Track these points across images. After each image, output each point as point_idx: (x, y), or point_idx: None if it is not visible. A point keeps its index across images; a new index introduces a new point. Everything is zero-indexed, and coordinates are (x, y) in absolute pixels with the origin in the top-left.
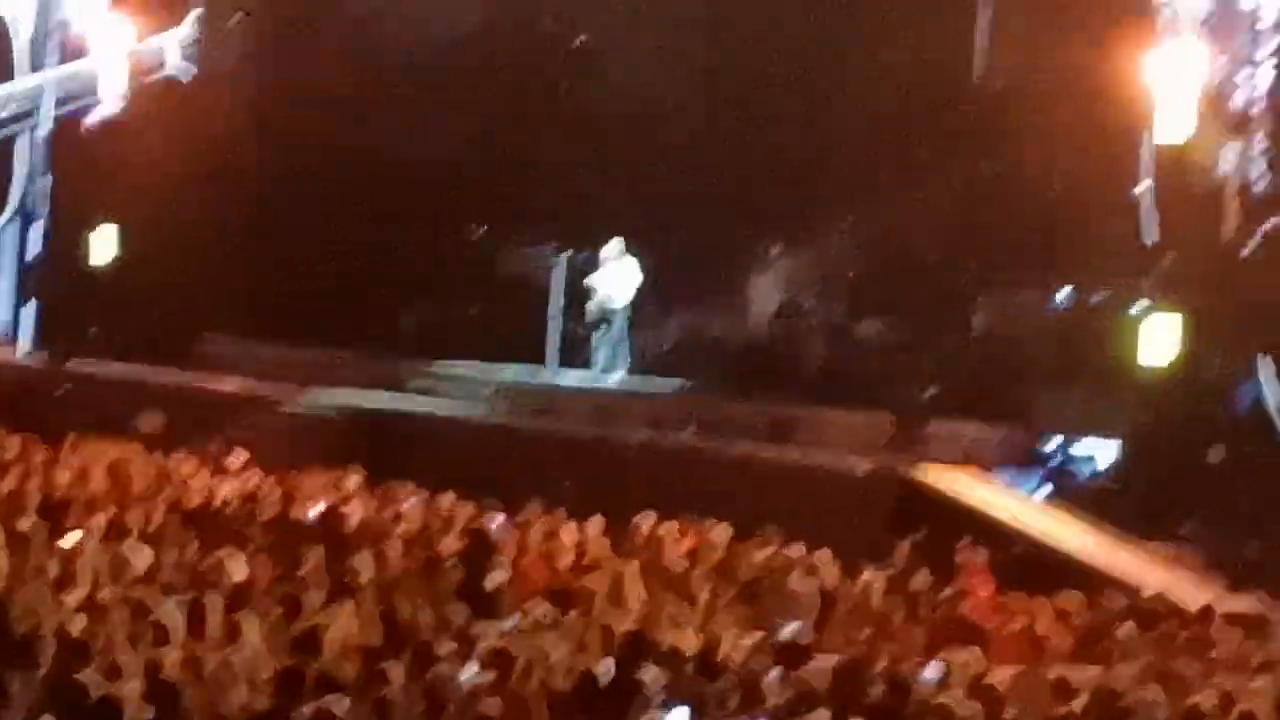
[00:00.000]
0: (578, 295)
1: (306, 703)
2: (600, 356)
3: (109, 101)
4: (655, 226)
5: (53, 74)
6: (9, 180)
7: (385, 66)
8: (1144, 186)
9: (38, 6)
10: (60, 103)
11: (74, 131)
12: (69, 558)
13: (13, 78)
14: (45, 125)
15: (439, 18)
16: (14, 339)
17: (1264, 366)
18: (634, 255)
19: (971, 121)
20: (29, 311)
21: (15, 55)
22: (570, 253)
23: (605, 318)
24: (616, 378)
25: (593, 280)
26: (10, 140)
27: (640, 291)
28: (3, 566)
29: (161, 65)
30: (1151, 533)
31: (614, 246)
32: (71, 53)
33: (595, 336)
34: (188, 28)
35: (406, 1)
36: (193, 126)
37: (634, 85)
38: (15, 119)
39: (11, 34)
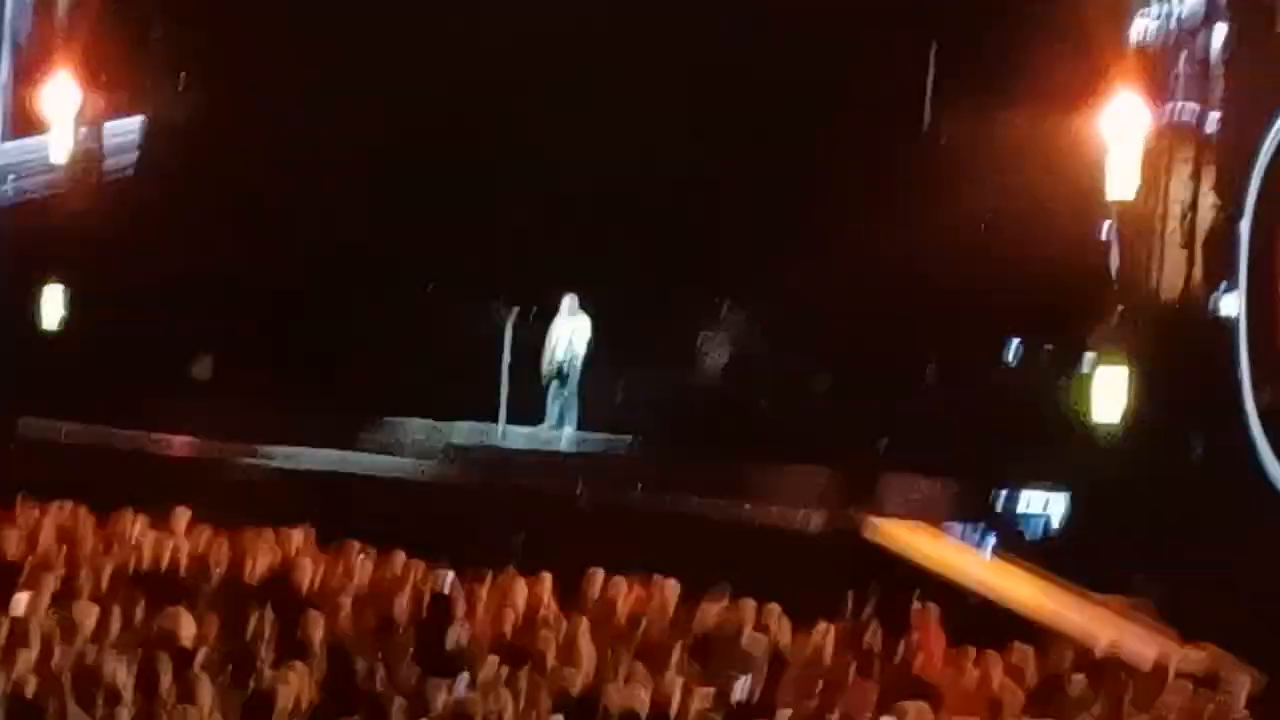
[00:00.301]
0: (528, 352)
1: None
2: (552, 413)
3: (60, 177)
4: (604, 282)
5: (7, 146)
6: None
7: (330, 125)
8: (1101, 237)
9: None
10: (13, 174)
11: (25, 202)
12: (18, 620)
13: None
14: None
15: (385, 77)
16: None
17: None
18: (587, 309)
19: (922, 176)
20: None
21: None
22: (519, 309)
23: (559, 374)
24: (567, 434)
25: (547, 336)
26: None
27: (590, 347)
28: None
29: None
30: (1103, 586)
31: (568, 302)
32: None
33: (548, 393)
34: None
35: (354, 63)
36: (142, 191)
37: (584, 141)
38: None
39: None
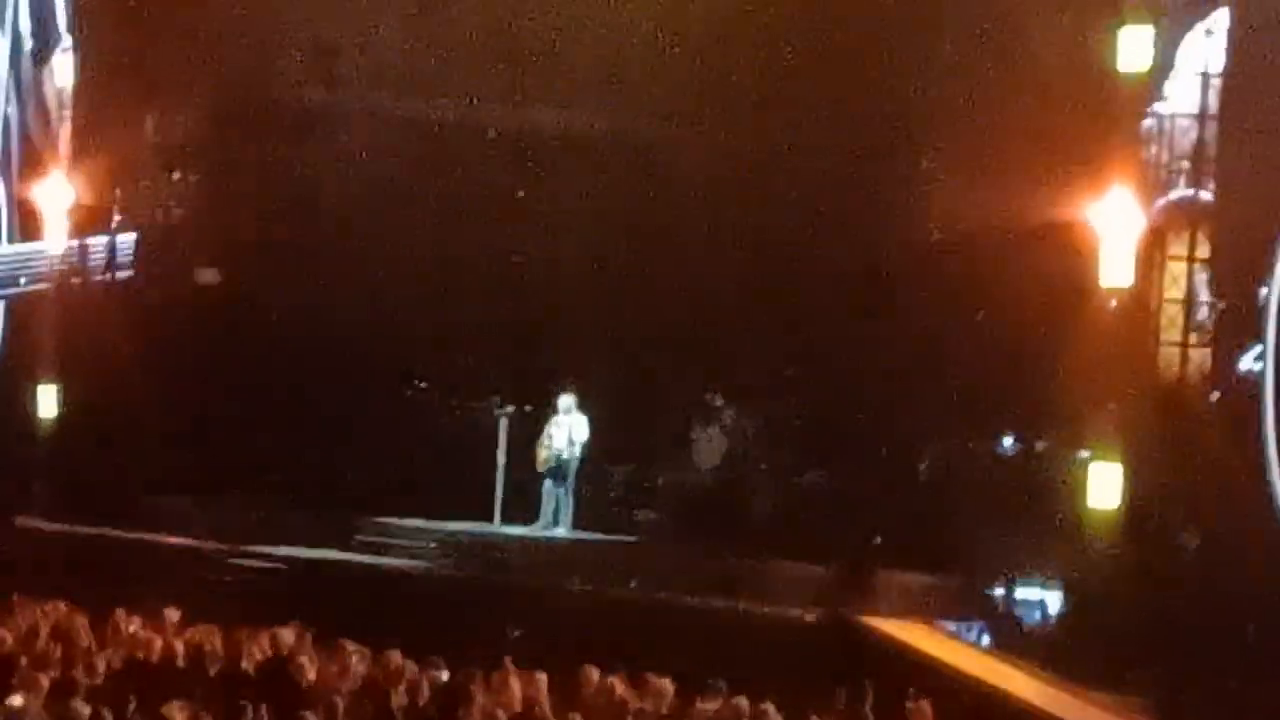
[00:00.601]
0: (524, 450)
1: None
2: (547, 511)
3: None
4: (598, 380)
5: (8, 250)
6: None
7: (325, 224)
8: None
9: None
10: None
11: (24, 304)
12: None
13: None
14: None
15: (380, 174)
16: None
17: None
18: (582, 407)
19: (914, 272)
20: None
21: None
22: (513, 407)
23: (554, 472)
24: (560, 533)
25: (544, 435)
26: None
27: (586, 447)
28: None
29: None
30: (1098, 682)
31: (566, 401)
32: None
33: (545, 490)
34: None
35: (347, 163)
36: (140, 286)
37: (576, 239)
38: None
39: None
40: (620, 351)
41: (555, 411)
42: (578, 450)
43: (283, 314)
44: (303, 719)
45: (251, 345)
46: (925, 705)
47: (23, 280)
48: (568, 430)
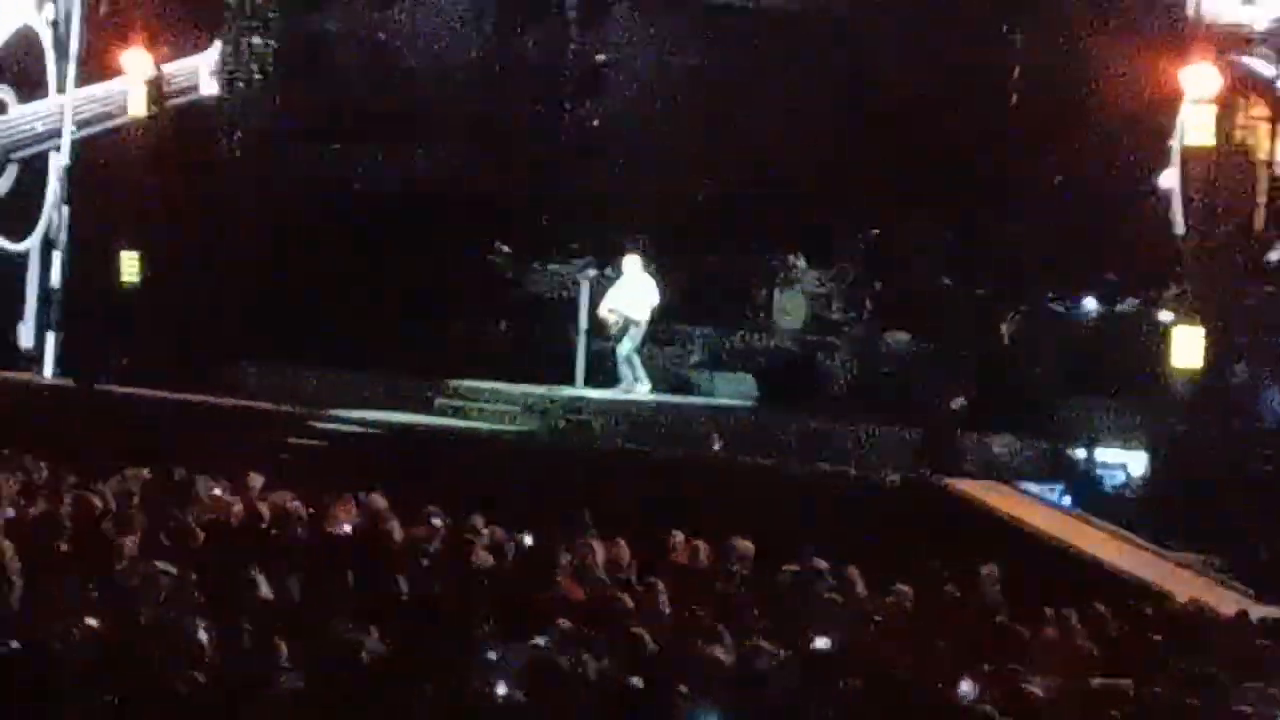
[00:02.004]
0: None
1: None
2: (621, 373)
3: (133, 124)
4: (682, 242)
5: (79, 94)
6: (35, 201)
7: (407, 90)
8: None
9: (67, 25)
10: (84, 124)
11: (97, 155)
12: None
13: (45, 94)
14: (67, 148)
15: (455, 41)
16: (40, 364)
17: None
18: (663, 270)
19: (994, 127)
20: (54, 337)
21: (46, 72)
22: (597, 270)
23: (624, 334)
24: (640, 393)
25: (610, 297)
26: (37, 161)
27: (667, 307)
28: (36, 591)
29: (188, 89)
30: (1179, 542)
31: (631, 262)
32: (98, 73)
33: (616, 353)
34: (215, 53)
35: (423, 26)
36: (216, 151)
37: (658, 101)
38: (43, 137)
39: (44, 50)
40: (702, 214)
41: (625, 273)
42: (647, 311)
43: (368, 177)
44: (393, 583)
45: (336, 209)
46: (1010, 564)
47: (72, 129)
48: (635, 291)
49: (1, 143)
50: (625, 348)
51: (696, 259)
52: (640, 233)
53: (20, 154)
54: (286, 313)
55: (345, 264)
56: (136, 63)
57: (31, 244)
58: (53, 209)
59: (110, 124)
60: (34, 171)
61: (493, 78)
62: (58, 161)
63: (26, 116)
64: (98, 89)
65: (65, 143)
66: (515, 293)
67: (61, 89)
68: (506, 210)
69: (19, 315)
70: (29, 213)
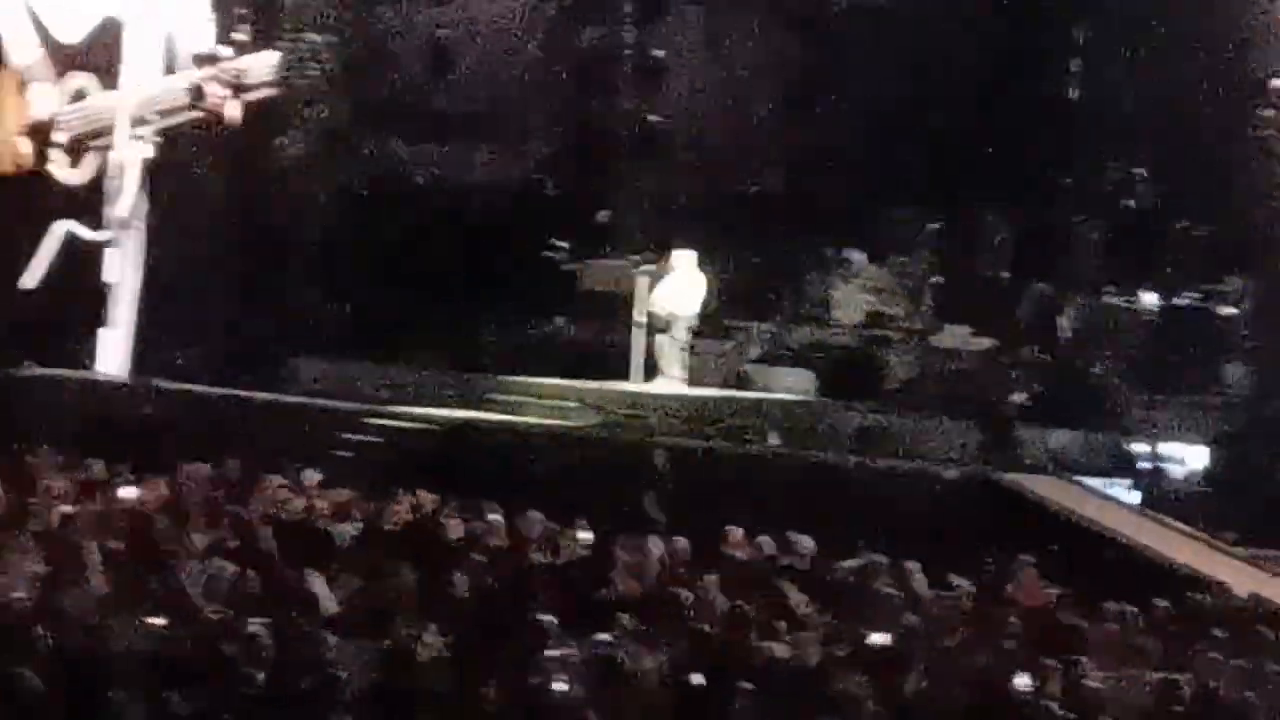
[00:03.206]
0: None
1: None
2: (667, 368)
3: (206, 118)
4: (739, 236)
5: (160, 84)
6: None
7: (464, 86)
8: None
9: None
10: (165, 114)
11: (172, 148)
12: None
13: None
14: (148, 139)
15: (513, 37)
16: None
17: None
18: (719, 264)
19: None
20: (117, 332)
21: (123, 64)
22: (653, 265)
23: (673, 329)
24: (678, 389)
25: (660, 292)
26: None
27: (726, 302)
28: (93, 588)
29: (255, 85)
30: (1241, 537)
31: (681, 257)
32: (175, 65)
33: (662, 347)
34: (279, 50)
35: (481, 21)
36: (282, 148)
37: (715, 96)
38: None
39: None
40: (760, 208)
41: (671, 269)
42: (696, 306)
43: (425, 174)
44: (449, 580)
45: (391, 207)
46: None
47: (153, 118)
48: (685, 286)
49: (81, 131)
50: (672, 341)
51: (754, 253)
52: (698, 227)
53: (100, 142)
54: (343, 308)
55: (403, 259)
56: (211, 54)
57: (110, 233)
58: (132, 199)
59: (191, 115)
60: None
61: (551, 73)
62: (137, 151)
63: (107, 105)
64: (179, 79)
65: (148, 129)
66: (572, 288)
67: (142, 78)
68: (564, 205)
69: (87, 312)
70: (109, 203)
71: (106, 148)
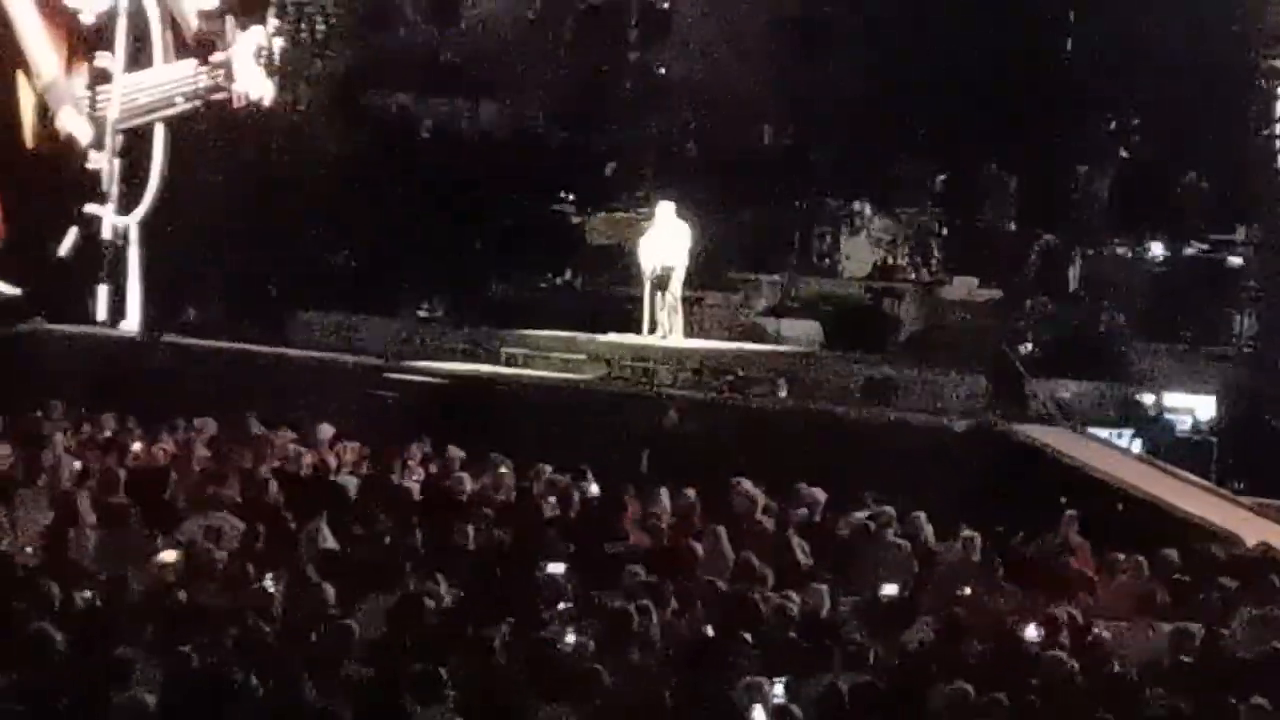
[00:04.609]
0: None
1: (410, 671)
2: (659, 319)
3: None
4: (748, 189)
5: (185, 65)
6: (140, 173)
7: (471, 39)
8: None
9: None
10: (191, 97)
11: (187, 123)
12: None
13: (150, 65)
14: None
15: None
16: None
17: None
18: (729, 217)
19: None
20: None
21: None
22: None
23: (662, 282)
24: (673, 341)
25: (644, 245)
26: (144, 130)
27: (734, 254)
28: (103, 543)
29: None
30: (1248, 486)
31: (664, 209)
32: (187, 48)
33: (653, 301)
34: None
35: None
36: (283, 109)
37: (722, 49)
38: (149, 109)
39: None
40: (769, 161)
41: (654, 222)
42: (683, 259)
43: (431, 129)
44: (460, 533)
45: (399, 161)
46: (1078, 509)
47: (179, 100)
48: (669, 239)
49: (107, 114)
50: (667, 294)
51: (763, 206)
52: (704, 180)
53: (125, 125)
54: (352, 263)
55: (411, 214)
56: (226, 35)
57: (137, 218)
58: (159, 182)
59: (216, 96)
60: (137, 143)
61: (557, 26)
62: (163, 134)
63: (131, 87)
64: (181, 64)
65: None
66: (581, 242)
67: (168, 59)
68: (572, 159)
69: (99, 275)
70: (134, 184)
71: (130, 128)
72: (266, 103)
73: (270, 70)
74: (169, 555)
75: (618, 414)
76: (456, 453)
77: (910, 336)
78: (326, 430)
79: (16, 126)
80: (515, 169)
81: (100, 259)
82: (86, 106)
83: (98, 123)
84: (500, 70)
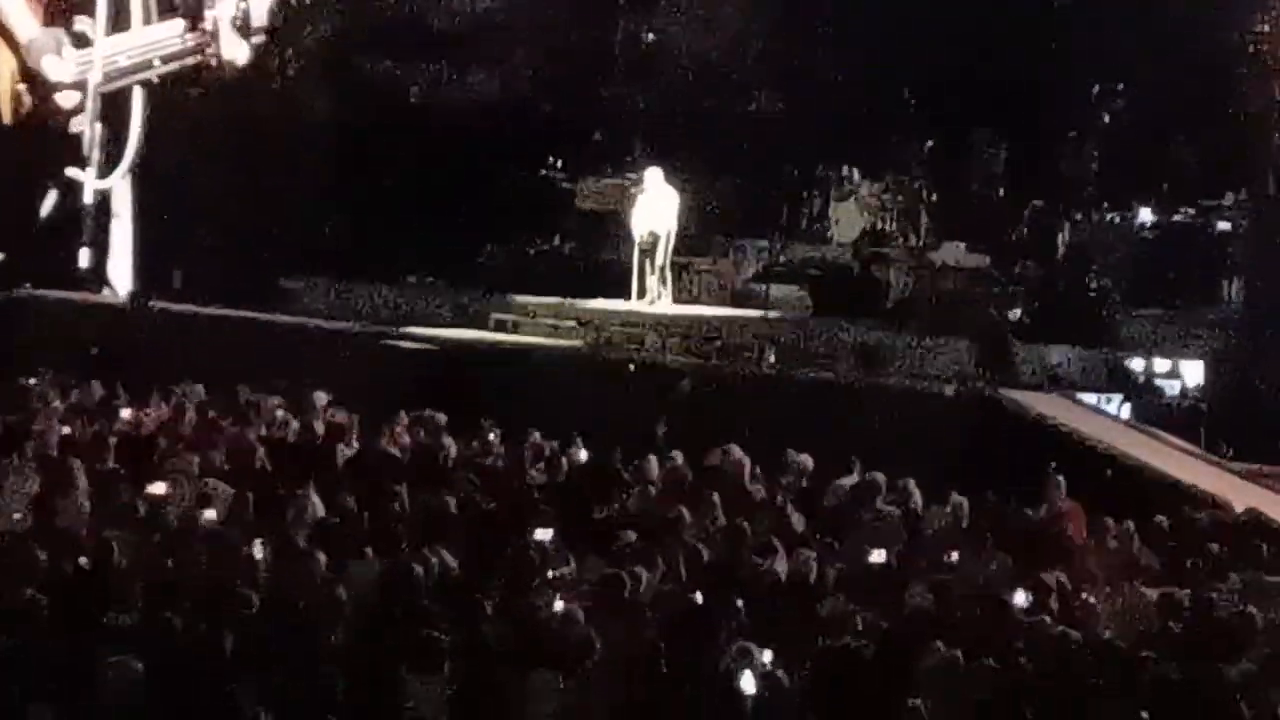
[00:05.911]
0: None
1: (401, 637)
2: (648, 285)
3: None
4: (737, 155)
5: (165, 27)
6: (118, 135)
7: (461, 6)
8: None
9: None
10: (170, 59)
11: (164, 88)
12: (155, 498)
13: (129, 28)
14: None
15: None
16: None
17: None
18: (718, 183)
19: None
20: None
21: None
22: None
23: (650, 248)
24: (661, 306)
25: (634, 211)
26: (121, 95)
27: (723, 220)
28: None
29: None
30: (1236, 452)
31: (652, 175)
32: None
33: (642, 267)
34: None
35: None
36: (271, 75)
37: (712, 16)
38: (128, 71)
39: None
40: (758, 127)
41: (643, 188)
42: (671, 226)
43: (419, 94)
44: (441, 497)
45: (389, 126)
46: (1066, 475)
47: (156, 62)
48: (658, 206)
49: (86, 76)
50: (656, 260)
51: (752, 172)
52: (694, 146)
53: (105, 88)
54: (342, 229)
55: (400, 180)
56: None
57: (115, 181)
58: (137, 145)
59: (196, 59)
60: (118, 106)
61: None
62: (142, 97)
63: (110, 50)
64: (163, 26)
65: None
66: (570, 208)
67: (147, 22)
68: (561, 125)
69: (82, 237)
70: (112, 147)
71: (109, 92)
72: (240, 63)
73: (245, 33)
74: (159, 487)
75: (606, 380)
76: (440, 418)
77: (899, 302)
78: (321, 397)
79: None
80: (504, 135)
81: (81, 223)
82: (67, 72)
83: (79, 87)
84: (490, 36)
